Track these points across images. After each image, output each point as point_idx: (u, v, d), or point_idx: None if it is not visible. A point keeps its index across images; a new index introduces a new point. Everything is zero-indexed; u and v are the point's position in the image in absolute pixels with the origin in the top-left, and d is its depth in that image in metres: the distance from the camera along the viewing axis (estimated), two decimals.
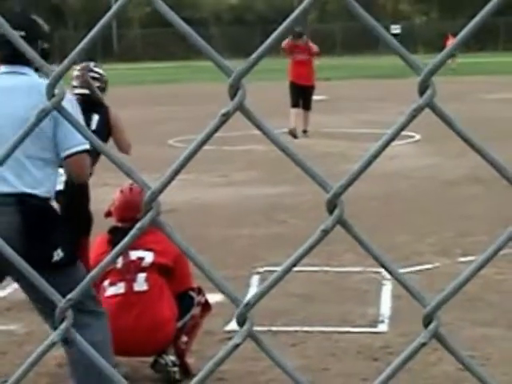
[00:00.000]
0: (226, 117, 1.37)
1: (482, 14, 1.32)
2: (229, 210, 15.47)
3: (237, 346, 1.47)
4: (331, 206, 1.39)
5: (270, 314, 9.46)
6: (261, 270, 11.29)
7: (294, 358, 8.49)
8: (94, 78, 11.11)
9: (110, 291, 8.14)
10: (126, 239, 1.49)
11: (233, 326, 9.67)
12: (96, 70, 11.31)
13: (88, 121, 10.27)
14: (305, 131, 27.06)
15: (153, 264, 8.21)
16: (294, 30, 26.18)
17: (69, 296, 1.50)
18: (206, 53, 1.39)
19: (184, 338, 8.33)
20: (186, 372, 8.22)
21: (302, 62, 27.12)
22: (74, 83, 10.90)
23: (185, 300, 8.40)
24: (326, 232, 1.40)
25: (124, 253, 7.86)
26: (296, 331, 9.36)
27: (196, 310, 8.47)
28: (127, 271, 8.17)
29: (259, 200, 16.53)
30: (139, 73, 69.10)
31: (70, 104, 6.51)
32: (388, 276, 10.76)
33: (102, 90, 11.16)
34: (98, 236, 8.93)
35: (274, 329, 9.25)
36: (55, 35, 57.30)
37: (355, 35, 75.65)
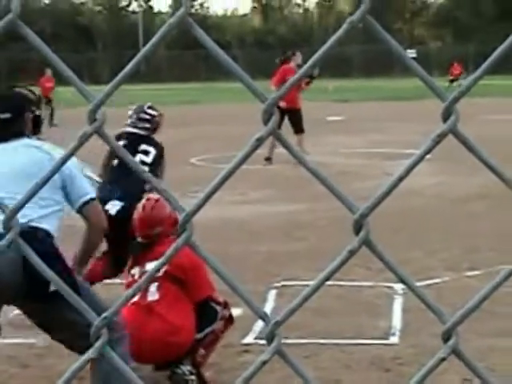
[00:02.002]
0: (259, 142, 1.38)
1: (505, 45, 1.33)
2: (247, 226, 15.55)
3: (264, 362, 1.49)
4: (357, 226, 1.40)
5: (284, 327, 9.41)
6: (278, 284, 11.28)
7: (308, 369, 8.43)
8: (144, 119, 11.48)
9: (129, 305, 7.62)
10: (161, 261, 1.50)
11: (250, 339, 9.71)
12: (148, 111, 11.62)
13: (144, 156, 11.13)
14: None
15: (165, 273, 7.90)
16: (284, 53, 26.14)
17: (104, 314, 1.51)
18: (241, 78, 1.41)
19: (202, 351, 8.26)
20: (203, 382, 8.20)
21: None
22: (127, 121, 11.47)
23: (207, 311, 8.31)
24: (352, 252, 1.41)
25: (140, 265, 8.24)
26: (310, 343, 9.35)
27: (219, 325, 8.39)
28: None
29: (276, 217, 16.53)
30: (165, 93, 69.13)
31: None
32: (399, 291, 10.80)
33: (153, 130, 11.60)
34: None
35: (288, 341, 9.22)
36: (85, 56, 57.58)
37: (371, 58, 76.06)
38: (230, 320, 8.54)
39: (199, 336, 8.24)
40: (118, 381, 7.17)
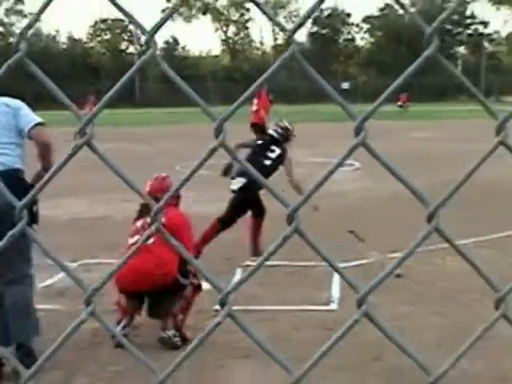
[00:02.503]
0: (212, 151, 1.42)
1: (404, 76, 1.37)
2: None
3: (219, 323, 1.52)
4: (290, 218, 1.42)
5: (245, 297, 9.43)
6: (243, 264, 11.33)
7: (264, 330, 8.47)
8: (281, 128, 13.12)
9: (129, 241, 8.57)
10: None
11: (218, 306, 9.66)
12: (285, 124, 13.22)
13: (270, 153, 12.59)
14: None
15: (161, 225, 7.78)
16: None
17: (94, 286, 1.48)
18: (198, 103, 1.44)
19: (180, 316, 8.49)
20: (185, 340, 8.27)
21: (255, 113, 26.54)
22: (273, 128, 13.29)
23: (183, 264, 8.59)
24: (286, 238, 1.44)
25: (145, 219, 8.74)
26: (266, 310, 9.37)
27: (188, 291, 8.61)
28: (142, 229, 8.62)
29: None
30: (155, 116, 69.05)
31: None
32: None
33: (285, 138, 13.04)
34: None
35: (249, 308, 9.21)
36: (93, 88, 57.48)
37: (314, 89, 76.57)
38: (198, 287, 8.67)
39: (176, 309, 8.48)
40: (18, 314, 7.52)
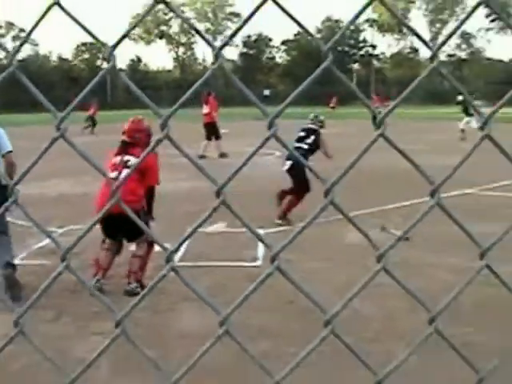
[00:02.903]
0: (158, 142, 1.42)
1: (306, 83, 1.38)
2: (184, 195, 15.12)
3: (164, 275, 1.49)
4: (217, 194, 1.41)
5: (193, 255, 9.41)
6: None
7: (205, 281, 8.49)
8: (318, 121, 13.23)
9: (110, 175, 8.04)
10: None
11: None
12: (320, 118, 13.41)
13: (307, 139, 12.78)
14: (222, 154, 25.35)
15: (138, 169, 8.20)
16: (208, 92, 26.26)
17: (68, 246, 1.46)
18: (149, 106, 1.42)
19: (140, 273, 8.55)
20: (144, 288, 8.08)
21: (206, 114, 26.23)
22: (309, 121, 13.29)
23: (153, 192, 8.88)
24: (214, 209, 1.42)
25: (121, 155, 8.65)
26: (206, 266, 9.40)
27: (143, 251, 8.61)
28: (119, 165, 8.45)
29: (203, 189, 16.35)
30: (120, 116, 68.16)
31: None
32: (262, 233, 10.82)
33: (320, 127, 13.20)
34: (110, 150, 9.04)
35: (197, 264, 9.21)
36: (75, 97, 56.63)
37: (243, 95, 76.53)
38: (151, 245, 8.64)
39: (135, 267, 8.54)
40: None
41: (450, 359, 1.48)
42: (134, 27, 1.35)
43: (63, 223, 12.15)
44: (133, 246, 8.88)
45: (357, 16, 1.36)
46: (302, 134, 12.85)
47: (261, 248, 10.19)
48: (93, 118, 41.75)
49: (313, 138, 12.84)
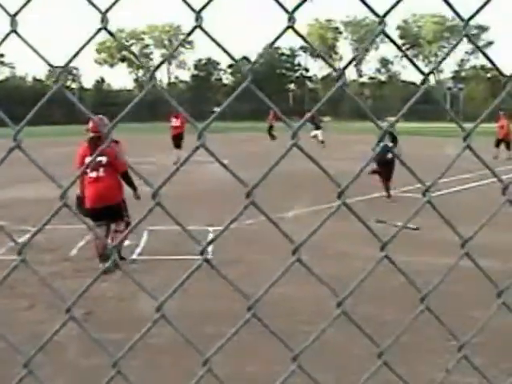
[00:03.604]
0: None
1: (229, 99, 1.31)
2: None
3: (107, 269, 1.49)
4: (153, 196, 1.33)
5: (147, 250, 9.33)
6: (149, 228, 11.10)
7: (160, 272, 8.39)
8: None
9: (90, 175, 9.11)
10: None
11: (134, 256, 9.58)
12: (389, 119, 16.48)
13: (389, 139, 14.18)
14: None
15: (107, 162, 9.12)
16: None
17: (23, 242, 1.40)
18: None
19: (120, 246, 8.86)
20: (122, 258, 8.96)
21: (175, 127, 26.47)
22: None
23: (128, 177, 9.36)
24: (150, 210, 1.40)
25: (96, 158, 8.59)
26: (164, 259, 9.27)
27: (123, 227, 9.16)
28: (97, 166, 9.14)
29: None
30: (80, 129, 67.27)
31: None
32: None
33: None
34: (81, 146, 9.47)
35: (146, 258, 9.11)
36: (46, 113, 55.90)
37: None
38: (128, 224, 9.13)
39: (115, 242, 8.75)
40: None
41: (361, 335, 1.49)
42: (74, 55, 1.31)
43: (37, 223, 11.94)
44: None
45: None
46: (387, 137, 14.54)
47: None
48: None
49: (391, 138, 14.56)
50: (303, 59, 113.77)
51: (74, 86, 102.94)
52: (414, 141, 35.07)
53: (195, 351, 1.43)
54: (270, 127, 40.35)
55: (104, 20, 1.24)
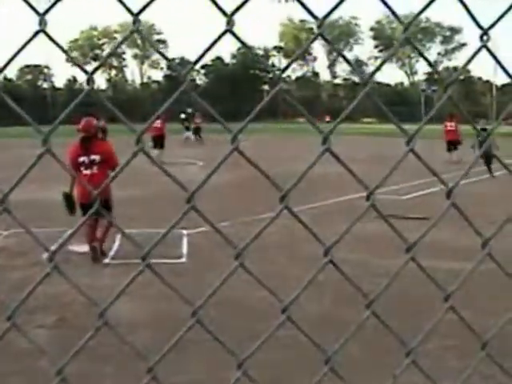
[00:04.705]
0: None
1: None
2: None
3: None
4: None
5: (121, 254, 9.23)
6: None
7: (139, 277, 8.35)
8: None
9: (84, 172, 9.91)
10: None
11: (107, 260, 9.52)
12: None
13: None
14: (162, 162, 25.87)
15: (100, 160, 9.97)
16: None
17: None
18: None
19: (103, 240, 10.09)
20: (102, 252, 9.80)
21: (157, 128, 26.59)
22: None
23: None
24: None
25: (87, 155, 9.97)
26: (135, 263, 9.23)
27: (107, 223, 9.78)
28: (90, 164, 10.01)
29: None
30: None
31: None
32: (184, 232, 10.76)
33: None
34: (72, 144, 10.24)
35: (130, 261, 9.05)
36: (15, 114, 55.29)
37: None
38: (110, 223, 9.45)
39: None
40: None
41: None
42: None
43: (8, 227, 11.81)
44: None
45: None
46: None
47: (185, 246, 10.13)
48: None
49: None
50: (277, 60, 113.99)
51: (45, 85, 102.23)
52: (391, 142, 35.32)
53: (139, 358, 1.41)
54: (197, 129, 40.86)
55: (42, 22, 1.21)
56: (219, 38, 1.30)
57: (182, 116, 42.86)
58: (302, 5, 1.35)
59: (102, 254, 9.87)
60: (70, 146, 10.24)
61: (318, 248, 1.48)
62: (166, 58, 1.44)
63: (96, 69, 1.35)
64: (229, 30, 1.30)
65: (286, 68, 1.51)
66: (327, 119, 72.62)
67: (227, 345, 1.45)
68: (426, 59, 1.60)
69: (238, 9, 1.29)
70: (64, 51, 1.30)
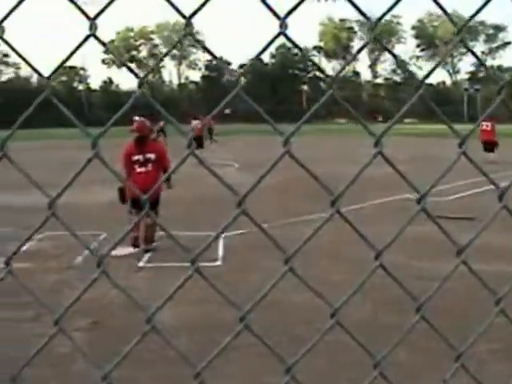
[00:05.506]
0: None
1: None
2: None
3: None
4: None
5: (158, 257, 9.25)
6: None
7: (173, 280, 8.38)
8: None
9: (138, 170, 10.70)
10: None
11: (141, 263, 9.55)
12: None
13: None
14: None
15: (155, 159, 10.78)
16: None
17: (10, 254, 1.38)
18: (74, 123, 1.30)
19: (152, 237, 10.69)
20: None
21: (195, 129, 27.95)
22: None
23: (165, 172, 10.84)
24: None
25: (142, 154, 10.77)
26: (178, 266, 9.29)
27: (153, 220, 9.87)
28: (144, 162, 10.77)
29: None
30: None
31: None
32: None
33: None
34: (127, 143, 11.08)
35: (164, 264, 9.08)
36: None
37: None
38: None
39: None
40: None
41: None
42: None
43: (42, 230, 11.92)
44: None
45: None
46: None
47: (221, 249, 10.15)
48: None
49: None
50: (316, 59, 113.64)
51: (81, 87, 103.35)
52: (434, 143, 34.97)
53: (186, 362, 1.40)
54: (210, 130, 40.62)
55: (93, 27, 1.21)
56: (272, 41, 1.30)
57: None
58: (354, 6, 1.34)
59: (148, 250, 10.37)
60: (124, 145, 11.10)
61: (362, 250, 1.46)
62: (213, 55, 1.43)
63: (147, 74, 1.36)
64: (282, 32, 1.31)
65: (340, 72, 1.51)
66: (379, 119, 72.17)
67: (272, 349, 1.45)
68: (481, 62, 1.58)
69: (290, 12, 1.29)
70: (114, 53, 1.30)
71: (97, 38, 1.22)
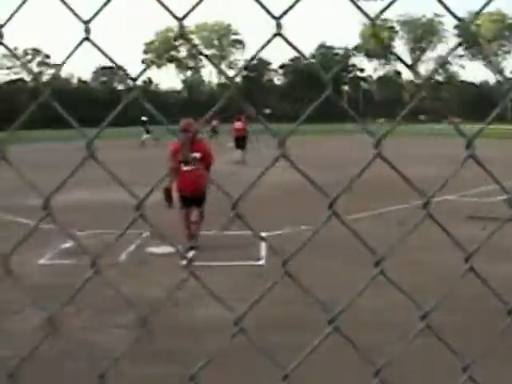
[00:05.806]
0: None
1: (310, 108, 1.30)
2: None
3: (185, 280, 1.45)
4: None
5: (203, 255, 9.35)
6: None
7: (219, 279, 8.44)
8: None
9: (184, 169, 10.76)
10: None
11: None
12: None
13: None
14: (238, 162, 26.68)
15: (200, 158, 10.78)
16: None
17: (98, 253, 1.39)
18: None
19: (198, 233, 10.84)
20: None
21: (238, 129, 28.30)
22: None
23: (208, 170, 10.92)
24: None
25: (189, 152, 10.91)
26: (223, 265, 9.36)
27: (199, 217, 10.82)
28: (191, 161, 10.92)
29: None
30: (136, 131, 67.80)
31: None
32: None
33: None
34: (173, 143, 11.26)
35: (211, 264, 9.16)
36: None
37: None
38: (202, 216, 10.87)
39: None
40: None
41: None
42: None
43: (83, 227, 12.09)
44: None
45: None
46: None
47: (263, 248, 10.18)
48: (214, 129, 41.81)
49: None
50: (357, 59, 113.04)
51: (120, 87, 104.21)
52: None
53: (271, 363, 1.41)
54: (214, 130, 40.18)
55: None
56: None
57: (143, 119, 43.20)
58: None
59: (191, 248, 10.40)
60: (171, 143, 11.39)
61: (446, 256, 1.47)
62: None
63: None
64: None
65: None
66: (421, 118, 71.20)
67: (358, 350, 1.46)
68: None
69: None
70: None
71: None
